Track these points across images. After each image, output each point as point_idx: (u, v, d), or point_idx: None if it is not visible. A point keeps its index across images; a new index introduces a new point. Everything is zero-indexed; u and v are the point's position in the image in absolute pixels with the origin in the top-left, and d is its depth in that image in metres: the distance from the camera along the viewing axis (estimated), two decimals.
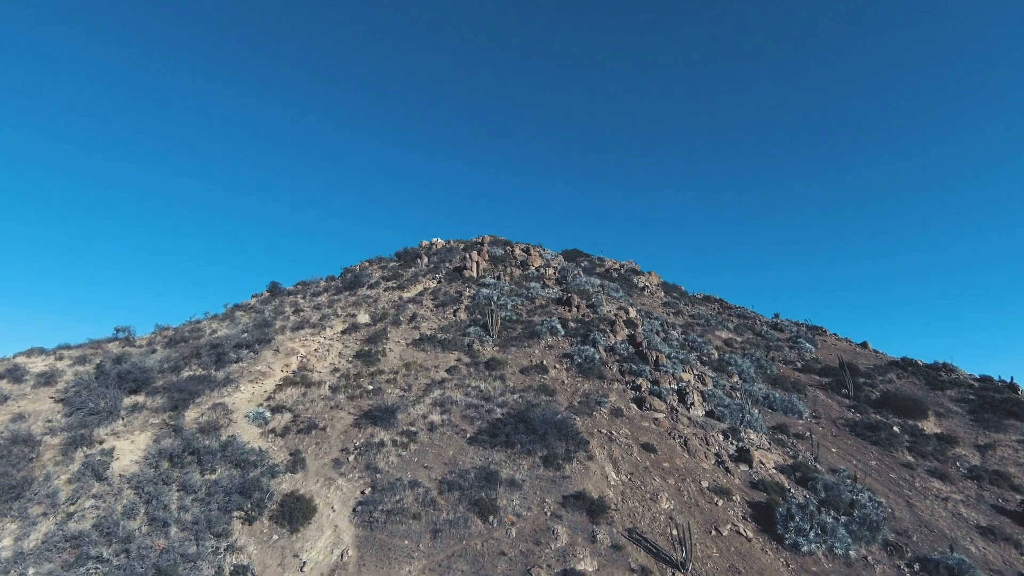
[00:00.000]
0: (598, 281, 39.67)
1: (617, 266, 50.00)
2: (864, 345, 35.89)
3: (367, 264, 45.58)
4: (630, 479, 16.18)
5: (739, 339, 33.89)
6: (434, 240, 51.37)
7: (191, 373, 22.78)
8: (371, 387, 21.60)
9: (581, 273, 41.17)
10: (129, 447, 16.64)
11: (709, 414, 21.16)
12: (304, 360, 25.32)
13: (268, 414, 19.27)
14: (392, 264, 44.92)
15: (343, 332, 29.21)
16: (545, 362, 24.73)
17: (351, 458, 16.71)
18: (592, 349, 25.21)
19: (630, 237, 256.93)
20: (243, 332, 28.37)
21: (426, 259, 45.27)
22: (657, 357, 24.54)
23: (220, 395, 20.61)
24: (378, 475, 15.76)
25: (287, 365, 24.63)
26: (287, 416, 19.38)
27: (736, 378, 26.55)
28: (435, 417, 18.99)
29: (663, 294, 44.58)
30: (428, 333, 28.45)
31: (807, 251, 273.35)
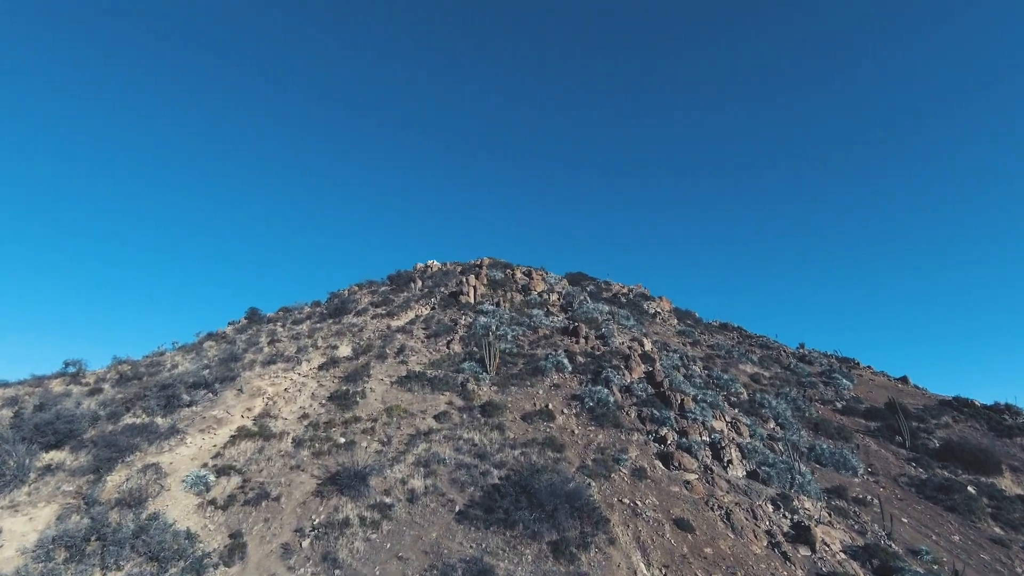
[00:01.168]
0: (607, 308, 36.26)
1: (625, 291, 46.64)
2: (904, 380, 32.27)
3: (356, 288, 42.24)
4: (665, 575, 12.48)
5: (766, 374, 30.28)
6: (429, 262, 48.16)
7: (132, 421, 19.22)
8: (343, 440, 18.00)
9: (588, 299, 37.81)
10: (23, 528, 13.01)
11: (751, 475, 17.49)
12: (270, 403, 21.74)
13: (212, 477, 15.64)
14: (383, 288, 41.59)
15: (320, 368, 25.68)
16: (551, 406, 21.15)
17: (306, 544, 13.04)
18: (605, 390, 21.65)
19: (632, 259, 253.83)
20: (204, 368, 24.86)
21: (420, 283, 41.98)
22: (682, 400, 20.95)
23: (158, 451, 17.00)
24: (337, 571, 12.09)
25: (249, 409, 21.04)
26: (235, 480, 15.74)
27: (772, 424, 22.90)
28: (417, 483, 15.36)
29: (676, 321, 41.11)
30: (417, 369, 24.91)
31: (811, 272, 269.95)
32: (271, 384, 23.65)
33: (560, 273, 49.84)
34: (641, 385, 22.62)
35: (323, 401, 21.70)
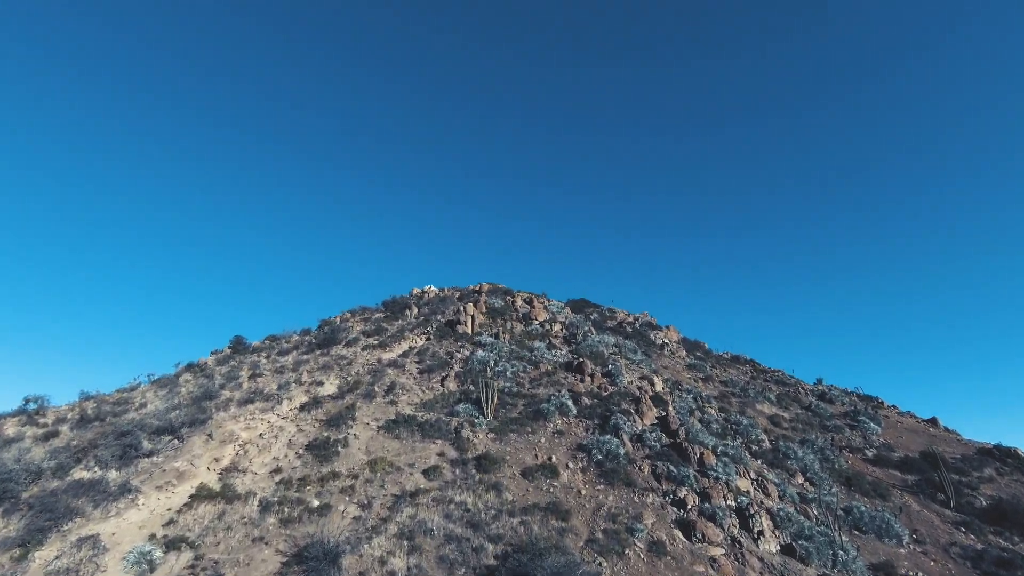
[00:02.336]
0: (612, 340, 34.15)
1: (631, 319, 44.58)
2: (934, 423, 29.94)
3: (348, 315, 40.22)
4: None
5: (786, 416, 28.02)
6: (426, 288, 46.20)
7: (81, 475, 17.02)
8: (317, 503, 15.75)
9: (593, 330, 35.72)
10: None
11: (786, 550, 15.18)
12: (241, 452, 19.53)
13: (158, 553, 13.39)
14: (377, 315, 39.57)
15: (302, 408, 23.49)
16: (554, 458, 18.94)
17: None
18: (615, 440, 19.45)
19: (631, 281, 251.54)
20: (173, 409, 22.69)
21: (416, 310, 39.95)
22: (702, 454, 18.72)
23: (103, 515, 14.77)
24: None
25: (216, 460, 18.83)
26: (185, 557, 13.48)
27: (801, 478, 20.60)
28: (398, 562, 13.10)
29: (685, 353, 38.92)
30: (407, 411, 22.74)
31: (815, 297, 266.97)
32: (246, 428, 21.45)
33: (561, 299, 47.86)
34: (655, 434, 20.40)
35: (300, 451, 19.47)
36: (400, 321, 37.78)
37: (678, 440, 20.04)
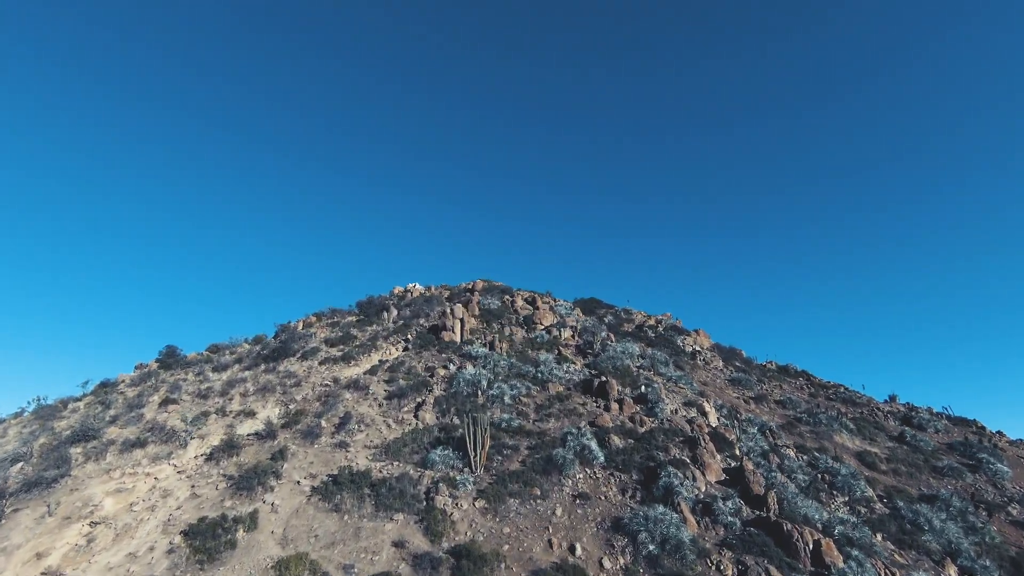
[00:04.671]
0: (637, 349, 27.15)
1: (652, 322, 37.52)
2: None
3: (313, 319, 33.09)
4: None
5: (878, 452, 21.01)
6: (410, 286, 39.10)
7: None
8: None
9: (612, 337, 28.67)
10: None
11: None
12: (84, 541, 12.45)
13: None
14: (348, 319, 32.56)
15: (210, 456, 16.42)
16: (579, 548, 11.91)
17: None
18: (673, 515, 12.42)
19: (627, 279, 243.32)
20: (17, 460, 15.58)
21: (395, 312, 32.90)
22: (817, 543, 11.67)
23: None
24: None
25: (39, 557, 11.77)
26: None
27: (952, 569, 13.55)
28: None
29: (722, 364, 31.89)
30: (361, 462, 15.71)
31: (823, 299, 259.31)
32: (116, 490, 14.43)
33: (568, 299, 40.78)
34: (730, 502, 13.36)
35: (176, 537, 12.36)
36: (375, 326, 30.74)
37: (768, 514, 13.01)
